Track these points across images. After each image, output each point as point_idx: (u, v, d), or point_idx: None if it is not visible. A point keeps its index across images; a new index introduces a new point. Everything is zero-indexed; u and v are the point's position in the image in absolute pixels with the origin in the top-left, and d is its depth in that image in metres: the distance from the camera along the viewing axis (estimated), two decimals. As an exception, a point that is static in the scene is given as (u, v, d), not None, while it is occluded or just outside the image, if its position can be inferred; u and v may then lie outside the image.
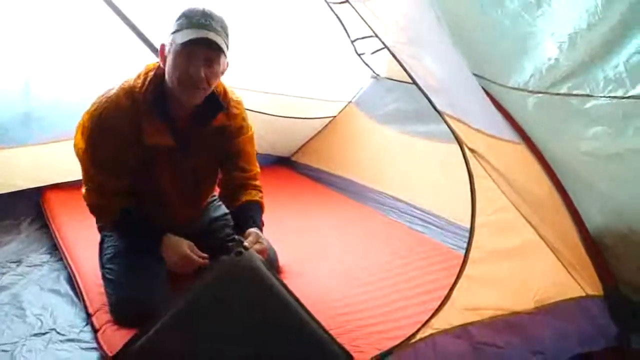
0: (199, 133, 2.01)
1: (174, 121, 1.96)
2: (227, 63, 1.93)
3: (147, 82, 1.90)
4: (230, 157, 2.14)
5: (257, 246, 1.84)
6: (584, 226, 2.06)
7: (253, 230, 1.94)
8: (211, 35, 1.79)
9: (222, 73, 1.93)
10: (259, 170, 2.21)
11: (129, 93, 1.89)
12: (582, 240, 2.02)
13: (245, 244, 1.79)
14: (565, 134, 2.06)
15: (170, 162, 1.99)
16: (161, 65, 1.89)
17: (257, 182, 2.17)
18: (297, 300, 1.71)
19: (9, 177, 2.97)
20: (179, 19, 1.83)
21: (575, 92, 1.93)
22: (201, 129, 2.00)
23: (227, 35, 1.86)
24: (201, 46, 1.80)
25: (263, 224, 2.06)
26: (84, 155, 1.96)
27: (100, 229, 2.15)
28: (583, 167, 2.05)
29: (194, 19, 1.80)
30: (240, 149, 2.14)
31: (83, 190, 2.03)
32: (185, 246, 1.93)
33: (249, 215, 2.05)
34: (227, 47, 1.87)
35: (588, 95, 1.88)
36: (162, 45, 1.88)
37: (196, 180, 2.12)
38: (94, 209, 2.04)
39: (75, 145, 2.00)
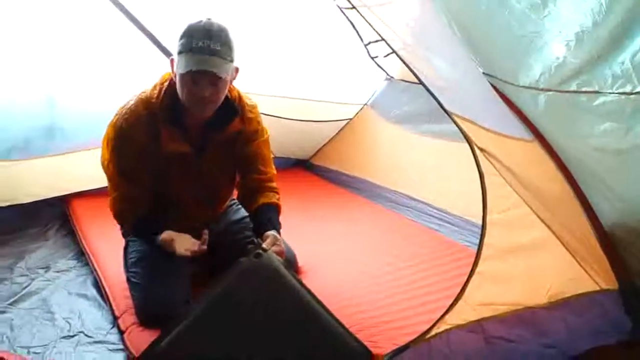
0: (214, 139, 2.06)
1: (189, 128, 2.01)
2: (237, 69, 1.95)
3: (162, 92, 1.96)
4: (247, 161, 2.16)
5: (275, 248, 1.87)
6: (597, 221, 2.08)
7: (271, 232, 1.96)
8: (211, 63, 1.80)
9: (232, 80, 1.97)
10: (275, 172, 2.24)
11: (145, 103, 1.96)
12: (596, 235, 2.03)
13: (264, 245, 1.83)
14: (576, 131, 2.08)
15: (188, 167, 2.05)
16: (173, 78, 1.94)
17: (274, 184, 2.20)
18: (316, 298, 1.75)
19: (34, 187, 3.04)
20: (181, 37, 1.84)
21: (584, 89, 1.95)
22: (217, 134, 2.05)
23: (230, 48, 1.86)
24: (203, 74, 1.83)
25: (280, 226, 2.08)
26: (108, 165, 2.04)
27: (124, 235, 2.22)
28: (594, 163, 2.06)
29: (195, 43, 1.80)
30: (256, 152, 2.17)
31: (109, 200, 2.10)
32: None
33: (266, 217, 2.07)
34: (232, 59, 1.87)
35: (596, 92, 1.90)
36: (172, 60, 1.91)
37: (213, 184, 2.17)
38: (117, 215, 2.10)
39: (101, 157, 2.08)
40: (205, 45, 1.80)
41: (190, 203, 2.13)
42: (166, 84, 1.98)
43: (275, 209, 2.14)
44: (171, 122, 1.96)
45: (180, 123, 1.99)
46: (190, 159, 2.03)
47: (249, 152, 2.15)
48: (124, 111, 1.98)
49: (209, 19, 1.86)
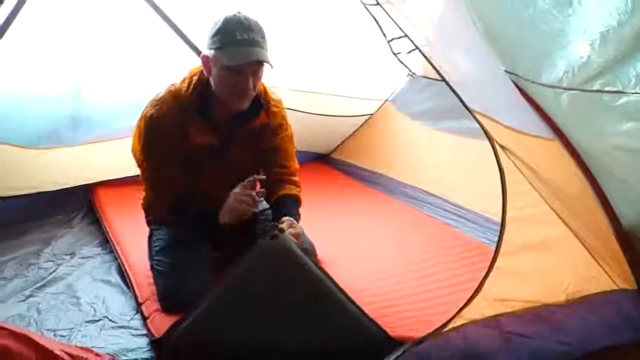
0: (240, 132, 2.10)
1: (217, 122, 2.06)
2: None
3: (191, 86, 2.00)
4: (269, 154, 2.21)
5: (291, 230, 1.91)
6: (616, 220, 2.07)
7: (287, 217, 2.01)
8: (256, 53, 1.86)
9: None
10: (297, 166, 2.28)
11: (175, 96, 2.01)
12: (614, 234, 2.03)
13: (281, 226, 1.88)
14: (598, 130, 2.07)
15: (214, 160, 2.09)
16: (205, 74, 1.98)
17: (295, 178, 2.24)
18: (332, 281, 1.79)
19: (60, 176, 3.11)
20: (218, 32, 1.88)
21: (607, 88, 1.94)
22: (243, 127, 2.09)
23: (265, 39, 1.92)
24: (248, 64, 1.88)
25: (299, 217, 2.13)
26: (140, 155, 2.08)
27: (148, 223, 2.27)
28: (616, 163, 2.05)
29: (237, 35, 1.84)
30: (279, 146, 2.21)
31: (142, 198, 2.19)
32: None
33: (285, 208, 2.12)
34: (267, 49, 1.93)
35: (620, 92, 1.90)
36: (205, 57, 1.95)
37: (238, 177, 2.19)
38: (151, 202, 2.15)
39: (132, 149, 2.13)
40: (250, 37, 1.85)
41: (215, 195, 2.15)
42: (195, 77, 2.01)
43: (295, 200, 2.19)
44: (200, 115, 2.01)
45: (209, 116, 2.03)
46: (217, 151, 2.08)
47: (273, 145, 2.20)
48: (154, 103, 2.02)
49: (239, 12, 1.90)
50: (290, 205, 2.14)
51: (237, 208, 1.97)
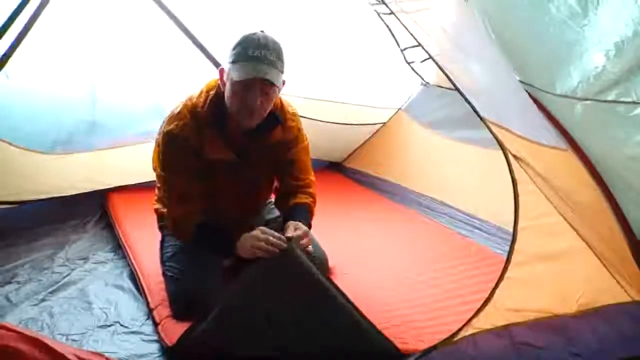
0: (256, 146, 2.09)
1: (233, 137, 2.05)
2: (284, 81, 1.98)
3: (208, 100, 2.00)
4: (285, 166, 2.21)
5: (297, 232, 1.91)
6: (630, 231, 2.06)
7: (292, 222, 2.00)
8: (265, 71, 1.84)
9: (280, 90, 2.00)
10: (313, 179, 2.27)
11: (191, 110, 2.00)
12: (629, 245, 2.02)
13: (288, 234, 1.88)
14: (612, 140, 2.07)
15: (230, 174, 2.09)
16: (221, 87, 1.98)
17: (311, 190, 2.23)
18: (340, 292, 1.80)
19: (75, 181, 3.12)
20: (235, 46, 1.89)
21: (622, 99, 1.94)
22: (258, 142, 2.08)
23: (282, 60, 1.90)
24: (257, 81, 1.87)
25: (310, 227, 2.11)
26: (160, 171, 2.08)
27: (161, 229, 2.28)
28: (629, 173, 2.05)
29: (249, 51, 1.85)
30: (295, 159, 2.21)
31: (162, 210, 2.16)
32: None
33: (294, 215, 2.10)
34: (283, 70, 1.92)
35: (635, 103, 1.90)
36: (222, 70, 1.96)
37: (253, 190, 2.23)
38: (173, 221, 2.10)
39: (153, 163, 2.14)
40: (262, 55, 1.84)
41: (230, 208, 2.17)
42: (212, 92, 2.01)
43: (306, 209, 2.17)
44: (216, 130, 2.00)
45: (225, 131, 2.02)
46: (232, 165, 2.07)
47: (288, 158, 2.20)
48: (172, 119, 2.02)
49: (262, 31, 1.90)
50: (299, 213, 2.13)
51: (250, 252, 1.89)
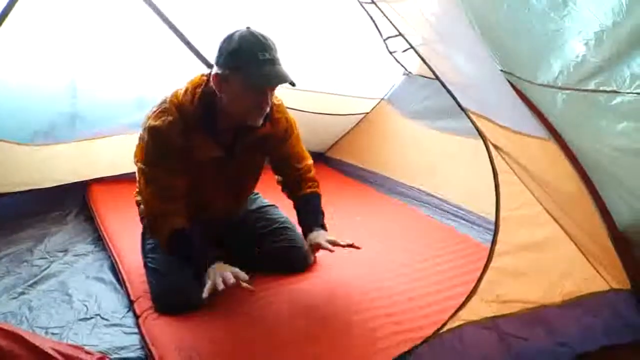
0: (244, 142, 2.06)
1: (222, 135, 2.02)
2: None
3: (195, 99, 1.94)
4: (283, 161, 2.27)
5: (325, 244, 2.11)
6: (612, 221, 2.07)
7: (314, 239, 2.17)
8: (282, 74, 1.82)
9: None
10: (311, 161, 2.34)
11: (179, 109, 1.93)
12: (610, 235, 2.03)
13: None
14: (593, 130, 2.07)
15: (218, 170, 2.07)
16: (216, 91, 1.90)
17: (311, 174, 2.32)
18: None
19: (56, 172, 3.10)
20: (236, 52, 1.81)
21: (602, 88, 1.95)
22: (246, 138, 2.05)
23: (277, 52, 1.88)
24: (269, 85, 1.87)
25: (323, 214, 2.28)
26: (143, 165, 2.02)
27: (142, 220, 2.26)
28: (611, 163, 2.05)
29: (259, 55, 1.79)
30: (290, 152, 2.26)
31: (140, 203, 2.13)
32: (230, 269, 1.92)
33: (311, 208, 2.28)
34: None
35: (615, 92, 1.90)
36: (217, 76, 1.87)
37: (240, 184, 2.22)
38: (150, 224, 2.07)
39: (134, 157, 2.07)
40: (271, 56, 1.81)
41: (215, 201, 2.17)
42: (199, 90, 1.95)
43: (318, 199, 2.31)
44: (205, 128, 1.96)
45: (212, 129, 1.99)
46: (221, 162, 2.05)
47: (284, 152, 2.24)
48: (157, 114, 1.95)
49: (248, 27, 1.85)
50: (314, 208, 2.28)
51: (216, 283, 1.84)
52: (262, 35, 1.83)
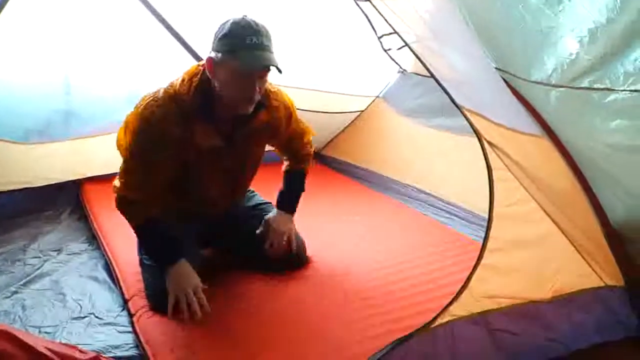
0: (243, 131, 2.05)
1: (220, 123, 1.99)
2: None
3: (192, 88, 1.91)
4: (289, 145, 2.32)
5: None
6: (605, 218, 2.08)
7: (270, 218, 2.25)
8: (268, 58, 1.81)
9: None
10: (308, 129, 2.38)
11: (175, 99, 1.90)
12: (603, 232, 2.04)
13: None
14: (587, 127, 2.08)
15: (216, 161, 2.04)
16: (210, 76, 1.89)
17: (309, 151, 2.40)
18: None
19: (50, 170, 3.09)
20: (226, 36, 1.81)
21: (595, 86, 1.95)
22: (245, 127, 2.04)
23: (271, 41, 1.87)
24: (258, 69, 1.85)
25: (302, 190, 2.37)
26: (126, 152, 1.98)
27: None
28: (605, 160, 2.06)
29: (247, 39, 1.79)
30: (293, 135, 2.30)
31: (117, 182, 2.04)
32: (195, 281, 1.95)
33: (290, 190, 2.36)
34: (274, 52, 1.89)
35: (608, 89, 1.91)
36: (210, 59, 1.86)
37: (239, 174, 2.20)
38: (124, 205, 2.04)
39: (118, 141, 2.03)
40: (260, 41, 1.80)
41: (213, 193, 2.15)
42: (196, 79, 1.93)
43: (301, 177, 2.39)
44: (204, 117, 1.94)
45: (211, 118, 1.96)
46: (220, 151, 2.03)
47: (288, 138, 2.29)
48: (151, 103, 1.91)
49: (245, 16, 1.85)
50: (296, 185, 2.37)
51: (171, 295, 1.89)
52: (255, 22, 1.83)
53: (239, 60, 1.80)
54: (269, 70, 1.87)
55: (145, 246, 2.07)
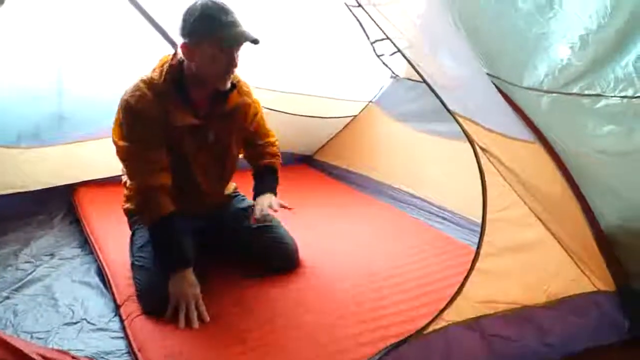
0: (218, 111, 2.14)
1: (195, 104, 2.09)
2: None
3: (164, 73, 2.03)
4: (250, 136, 2.37)
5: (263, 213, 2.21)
6: (596, 223, 2.09)
7: (260, 203, 2.27)
8: (245, 32, 1.93)
9: None
10: (274, 139, 2.47)
11: (149, 85, 2.02)
12: (594, 237, 2.05)
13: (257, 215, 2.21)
14: (578, 133, 2.09)
15: (196, 140, 2.12)
16: (186, 60, 1.99)
17: (272, 149, 2.45)
18: None
19: (42, 175, 3.06)
20: (201, 19, 1.91)
21: (587, 91, 1.97)
22: (220, 107, 2.13)
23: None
24: (240, 44, 1.97)
25: (278, 182, 2.42)
26: (123, 141, 2.05)
27: (131, 225, 2.27)
28: (596, 165, 2.08)
29: (222, 19, 1.91)
30: (256, 129, 2.39)
31: (128, 186, 2.17)
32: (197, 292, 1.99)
33: (264, 180, 2.40)
34: None
35: (599, 95, 1.92)
36: (185, 44, 1.96)
37: (222, 154, 2.24)
38: (145, 200, 2.05)
39: (113, 139, 2.10)
40: (234, 19, 1.94)
41: (200, 178, 2.19)
42: (166, 66, 2.05)
43: (274, 170, 2.44)
44: (178, 99, 2.04)
45: (185, 99, 2.07)
46: (198, 131, 2.11)
47: (251, 128, 2.35)
48: (129, 92, 2.03)
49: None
50: (268, 175, 2.42)
51: (174, 299, 1.95)
52: (221, 2, 1.95)
53: (222, 37, 1.92)
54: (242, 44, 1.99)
55: (157, 247, 2.07)
